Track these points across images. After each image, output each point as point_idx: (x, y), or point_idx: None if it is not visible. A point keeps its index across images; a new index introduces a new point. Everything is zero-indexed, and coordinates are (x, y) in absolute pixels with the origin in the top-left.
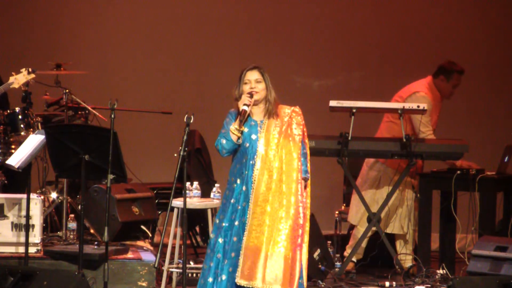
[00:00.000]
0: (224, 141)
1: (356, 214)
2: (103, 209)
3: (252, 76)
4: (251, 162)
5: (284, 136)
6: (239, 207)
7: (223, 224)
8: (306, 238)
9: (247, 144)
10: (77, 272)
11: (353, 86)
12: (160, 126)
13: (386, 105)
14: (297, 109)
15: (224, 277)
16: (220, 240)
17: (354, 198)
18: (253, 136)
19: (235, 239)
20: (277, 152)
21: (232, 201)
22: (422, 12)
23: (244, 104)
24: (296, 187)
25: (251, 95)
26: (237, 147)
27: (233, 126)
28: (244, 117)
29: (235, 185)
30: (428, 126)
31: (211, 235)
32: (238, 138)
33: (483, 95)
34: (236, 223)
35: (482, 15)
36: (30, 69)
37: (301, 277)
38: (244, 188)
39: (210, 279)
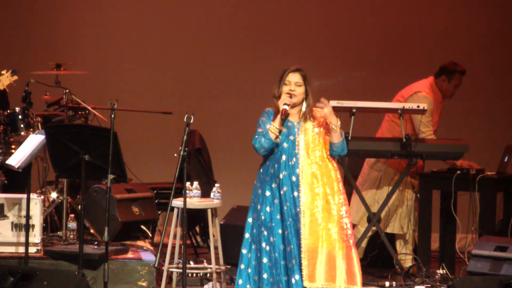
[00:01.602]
0: (263, 140)
1: (357, 213)
2: (103, 209)
3: (293, 78)
4: (290, 163)
5: (323, 137)
6: (286, 208)
7: (270, 224)
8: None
9: (285, 145)
10: (77, 272)
11: (353, 86)
12: (160, 126)
13: (386, 105)
14: None
15: (297, 277)
16: (272, 239)
17: (355, 197)
18: (291, 137)
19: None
20: (317, 154)
21: (275, 201)
22: (422, 12)
23: (285, 104)
24: (337, 186)
25: (290, 95)
26: (275, 146)
27: (273, 125)
28: (286, 116)
29: (274, 185)
30: (429, 126)
31: (246, 235)
32: (277, 137)
33: (483, 95)
34: (289, 222)
35: (482, 15)
36: (11, 70)
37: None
38: (285, 188)
39: (265, 275)
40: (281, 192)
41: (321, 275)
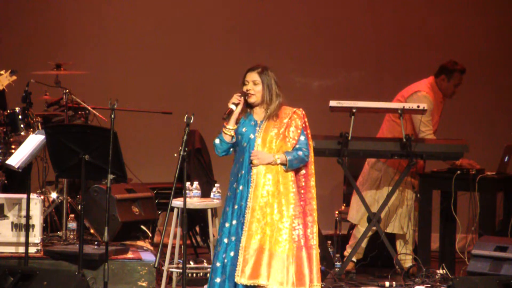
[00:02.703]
0: (218, 141)
1: (357, 213)
2: (103, 209)
3: (250, 77)
4: (248, 162)
5: (281, 138)
6: (236, 207)
7: (226, 224)
8: (316, 238)
9: (245, 144)
10: (77, 272)
11: (353, 86)
12: (160, 126)
13: (386, 105)
14: (299, 111)
15: (224, 276)
16: (226, 240)
17: (355, 197)
18: (251, 136)
19: (233, 238)
20: (274, 153)
21: (233, 201)
22: (422, 12)
23: (233, 103)
24: (293, 186)
25: (245, 94)
26: (231, 146)
27: (226, 126)
28: (229, 116)
29: (235, 185)
30: (428, 126)
31: (218, 235)
32: (232, 137)
33: (483, 95)
34: (234, 222)
35: (482, 15)
36: (10, 70)
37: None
38: (241, 187)
39: (218, 279)
40: (237, 191)
41: (267, 273)
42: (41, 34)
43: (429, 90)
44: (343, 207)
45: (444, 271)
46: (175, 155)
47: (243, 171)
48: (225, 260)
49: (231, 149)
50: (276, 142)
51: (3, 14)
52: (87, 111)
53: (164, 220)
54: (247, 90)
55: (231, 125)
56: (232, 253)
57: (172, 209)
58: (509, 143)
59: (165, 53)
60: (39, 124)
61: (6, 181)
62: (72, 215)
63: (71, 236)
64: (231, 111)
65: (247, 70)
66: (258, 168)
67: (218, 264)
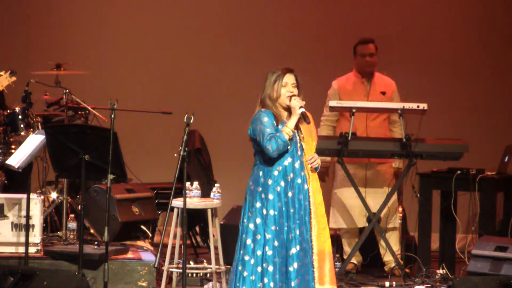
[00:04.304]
0: (279, 141)
1: (335, 219)
2: (103, 209)
3: (290, 79)
4: (295, 165)
5: (316, 141)
6: (292, 210)
7: (274, 228)
8: None
9: (289, 147)
10: (77, 272)
11: None
12: (160, 126)
13: (386, 105)
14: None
15: (295, 283)
16: (276, 243)
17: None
18: (294, 139)
19: (299, 247)
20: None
21: (279, 204)
22: (422, 12)
23: (300, 107)
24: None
25: (292, 97)
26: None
27: (288, 127)
28: (307, 118)
29: (279, 188)
30: (325, 111)
31: (248, 241)
32: (290, 139)
33: (483, 94)
34: (296, 227)
35: (483, 14)
36: (10, 71)
37: None
38: (292, 191)
39: (272, 284)
40: (289, 195)
41: (329, 278)
42: (41, 34)
43: (341, 79)
44: None
45: (444, 271)
46: (175, 155)
47: (292, 175)
48: (292, 268)
49: None
50: (314, 144)
51: (3, 14)
52: (87, 111)
53: (164, 220)
54: (291, 93)
55: (293, 127)
56: (302, 255)
57: (172, 209)
58: (509, 143)
59: (165, 53)
60: (39, 124)
61: (6, 181)
62: (72, 215)
63: (71, 236)
64: (306, 113)
65: (285, 70)
66: (310, 174)
67: (271, 268)
